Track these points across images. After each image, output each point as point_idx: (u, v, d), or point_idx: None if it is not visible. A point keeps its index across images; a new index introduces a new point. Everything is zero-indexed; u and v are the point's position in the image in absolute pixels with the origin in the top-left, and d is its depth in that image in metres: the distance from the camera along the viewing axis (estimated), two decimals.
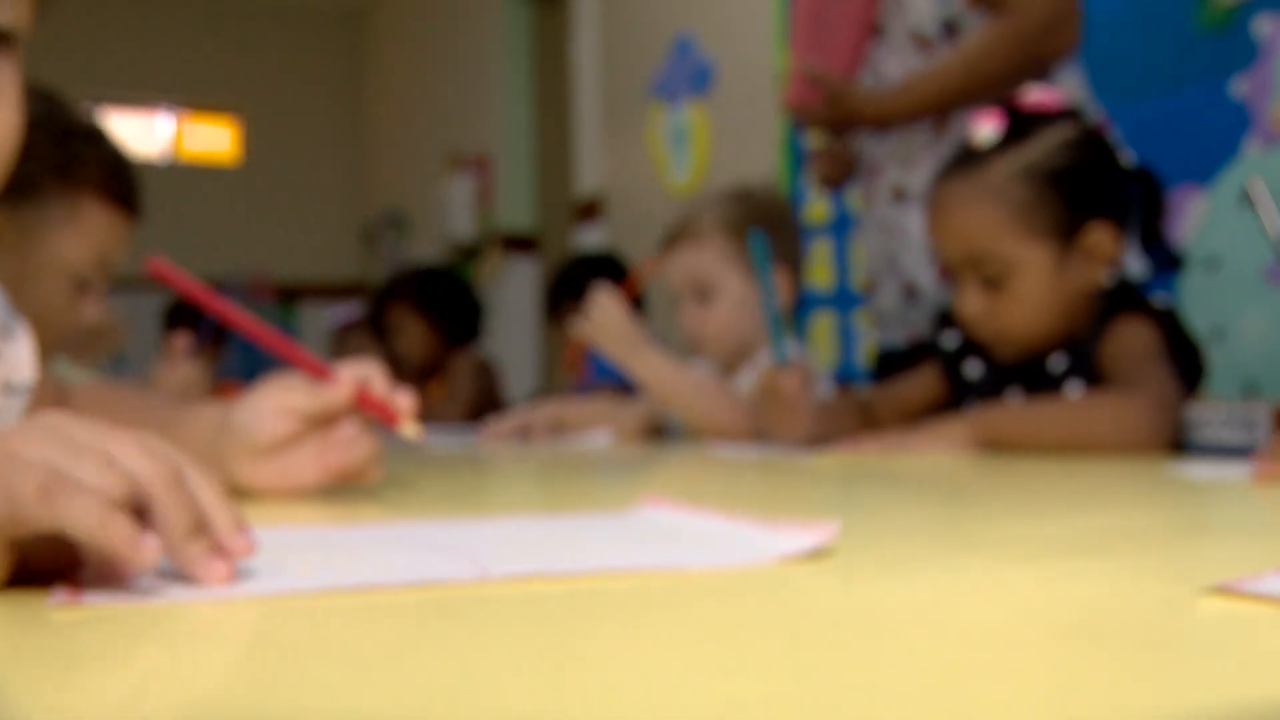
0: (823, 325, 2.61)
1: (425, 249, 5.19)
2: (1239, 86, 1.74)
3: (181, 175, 5.91)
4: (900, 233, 1.51)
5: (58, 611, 0.34)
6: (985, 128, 1.16)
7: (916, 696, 0.24)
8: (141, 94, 5.86)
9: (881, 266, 1.55)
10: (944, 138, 1.45)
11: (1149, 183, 1.18)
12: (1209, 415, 1.00)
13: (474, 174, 4.74)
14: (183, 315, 3.41)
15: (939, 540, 0.52)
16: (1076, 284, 1.14)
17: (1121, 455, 1.01)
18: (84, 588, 0.37)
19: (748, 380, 1.47)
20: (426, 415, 2.57)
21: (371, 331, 3.26)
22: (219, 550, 0.38)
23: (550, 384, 3.94)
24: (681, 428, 1.54)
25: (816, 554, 0.44)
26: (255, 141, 6.12)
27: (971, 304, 1.16)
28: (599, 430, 1.56)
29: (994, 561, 0.43)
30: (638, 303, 1.75)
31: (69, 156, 1.09)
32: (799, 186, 2.70)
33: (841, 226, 2.56)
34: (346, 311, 3.86)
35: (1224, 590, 0.35)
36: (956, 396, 1.28)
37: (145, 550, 0.35)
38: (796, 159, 2.71)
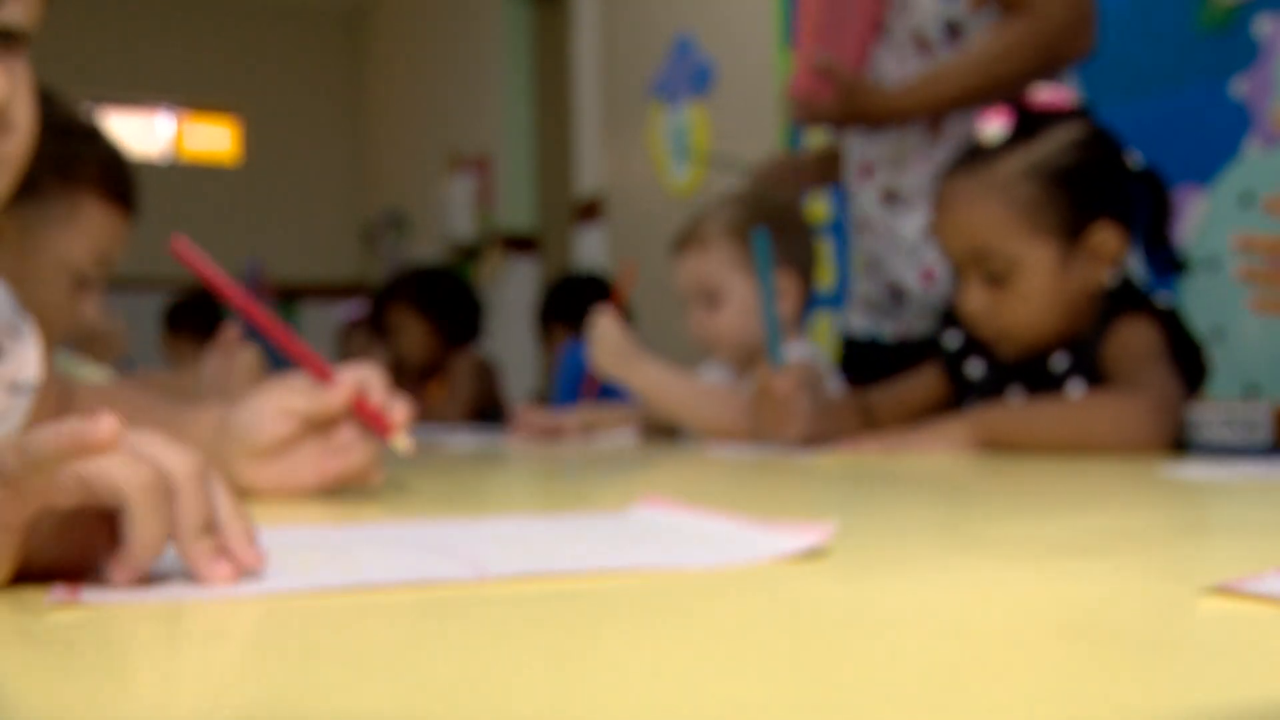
0: (823, 325, 2.61)
1: (425, 249, 5.19)
2: (1239, 86, 1.74)
3: (182, 175, 5.92)
4: (890, 234, 1.50)
5: (55, 609, 0.34)
6: (994, 126, 1.16)
7: (916, 696, 0.24)
8: (141, 94, 5.87)
9: (865, 268, 1.55)
10: (938, 140, 1.44)
11: (1155, 185, 1.18)
12: (1209, 415, 1.00)
13: (474, 174, 4.74)
14: (183, 315, 3.40)
15: (939, 540, 0.52)
16: (1080, 283, 1.14)
17: (1122, 455, 1.01)
18: (81, 586, 0.37)
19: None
20: (427, 415, 2.58)
21: (372, 331, 3.27)
22: (225, 552, 0.38)
23: (550, 385, 3.93)
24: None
25: (815, 554, 0.44)
26: (255, 141, 6.12)
27: (975, 301, 1.16)
28: (623, 429, 1.64)
29: (994, 561, 0.43)
30: (625, 312, 1.77)
31: (69, 155, 1.09)
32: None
33: (841, 226, 2.56)
34: (352, 309, 3.86)
35: (1224, 590, 0.35)
36: (958, 396, 1.28)
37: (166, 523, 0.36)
38: None
